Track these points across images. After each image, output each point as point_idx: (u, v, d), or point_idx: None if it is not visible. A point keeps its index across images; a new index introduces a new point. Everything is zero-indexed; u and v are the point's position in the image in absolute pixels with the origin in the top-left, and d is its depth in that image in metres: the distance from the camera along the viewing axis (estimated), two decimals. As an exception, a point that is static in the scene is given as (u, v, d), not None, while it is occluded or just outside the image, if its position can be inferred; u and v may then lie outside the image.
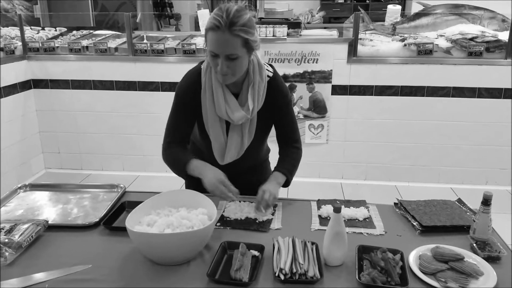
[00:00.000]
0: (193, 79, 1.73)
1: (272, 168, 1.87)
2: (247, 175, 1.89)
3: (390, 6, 4.11)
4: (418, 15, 4.03)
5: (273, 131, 1.88)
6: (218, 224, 1.60)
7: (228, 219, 1.64)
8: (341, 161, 3.95)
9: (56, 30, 4.35)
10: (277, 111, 1.79)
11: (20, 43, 3.90)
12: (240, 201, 1.76)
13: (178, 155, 1.78)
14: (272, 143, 1.95)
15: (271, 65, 1.80)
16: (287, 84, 3.22)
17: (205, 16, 3.96)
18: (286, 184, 1.82)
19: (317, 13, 6.11)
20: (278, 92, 1.76)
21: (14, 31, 4.13)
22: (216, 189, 1.63)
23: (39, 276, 1.30)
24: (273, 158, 1.94)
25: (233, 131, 1.74)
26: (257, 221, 1.62)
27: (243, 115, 1.68)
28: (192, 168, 1.72)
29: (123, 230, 1.39)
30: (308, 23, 5.90)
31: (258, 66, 1.69)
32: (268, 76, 1.74)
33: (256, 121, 1.76)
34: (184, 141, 1.83)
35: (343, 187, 3.88)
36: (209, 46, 1.55)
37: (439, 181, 3.90)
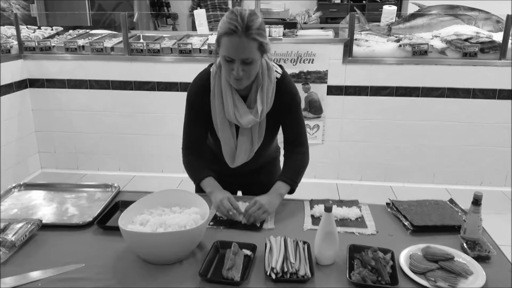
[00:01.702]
0: (201, 83, 1.74)
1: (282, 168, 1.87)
2: (255, 175, 1.89)
3: (385, 7, 4.12)
4: (414, 16, 4.05)
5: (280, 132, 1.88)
6: (211, 223, 1.61)
7: (221, 218, 1.65)
8: (336, 162, 3.97)
9: (52, 29, 4.35)
10: (285, 113, 1.78)
11: (16, 42, 3.90)
12: (238, 201, 1.74)
13: (195, 168, 1.80)
14: (281, 142, 1.95)
15: (280, 66, 1.79)
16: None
17: (201, 16, 3.97)
18: (291, 191, 1.81)
19: (313, 14, 6.13)
20: (286, 93, 1.75)
21: (10, 30, 4.12)
22: (220, 206, 1.63)
23: (33, 275, 1.31)
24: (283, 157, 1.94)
25: (243, 135, 1.74)
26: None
27: (252, 119, 1.68)
28: (205, 185, 1.75)
29: (116, 229, 1.39)
30: (305, 23, 5.91)
31: (267, 68, 1.68)
32: (276, 77, 1.73)
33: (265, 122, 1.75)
34: (201, 146, 1.84)
35: (338, 187, 3.89)
36: (224, 51, 1.53)
37: (434, 182, 3.91)
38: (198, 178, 1.77)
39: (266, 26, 3.71)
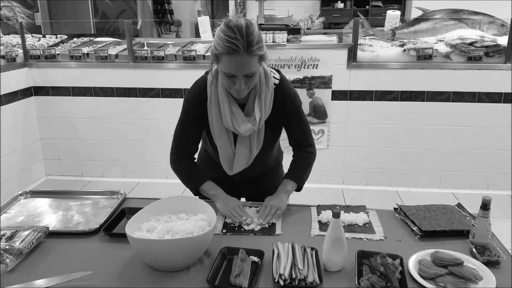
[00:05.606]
0: (199, 91, 1.73)
1: (285, 172, 1.88)
2: (258, 181, 1.89)
3: (389, 12, 4.12)
4: (418, 20, 4.04)
5: (284, 135, 1.87)
6: (224, 231, 1.60)
7: (232, 225, 1.64)
8: (341, 167, 3.95)
9: (57, 38, 4.37)
10: (286, 118, 1.78)
11: (21, 51, 3.92)
12: (250, 207, 1.75)
13: (192, 173, 1.81)
14: (286, 147, 1.95)
15: (278, 71, 1.78)
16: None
17: (205, 23, 3.97)
18: (298, 189, 1.83)
19: (317, 19, 6.13)
20: (285, 99, 1.74)
21: (15, 39, 4.15)
22: (233, 213, 1.66)
23: (40, 283, 1.31)
24: (287, 161, 1.94)
25: (241, 143, 1.74)
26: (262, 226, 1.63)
27: (250, 128, 1.67)
28: (206, 189, 1.76)
29: (123, 236, 1.39)
30: (308, 28, 5.91)
31: (265, 75, 1.67)
32: (274, 84, 1.71)
33: (264, 129, 1.74)
34: (192, 153, 1.86)
35: (344, 192, 3.87)
36: (225, 68, 1.52)
37: (440, 186, 3.89)
38: (198, 183, 1.77)
39: (270, 32, 3.74)
